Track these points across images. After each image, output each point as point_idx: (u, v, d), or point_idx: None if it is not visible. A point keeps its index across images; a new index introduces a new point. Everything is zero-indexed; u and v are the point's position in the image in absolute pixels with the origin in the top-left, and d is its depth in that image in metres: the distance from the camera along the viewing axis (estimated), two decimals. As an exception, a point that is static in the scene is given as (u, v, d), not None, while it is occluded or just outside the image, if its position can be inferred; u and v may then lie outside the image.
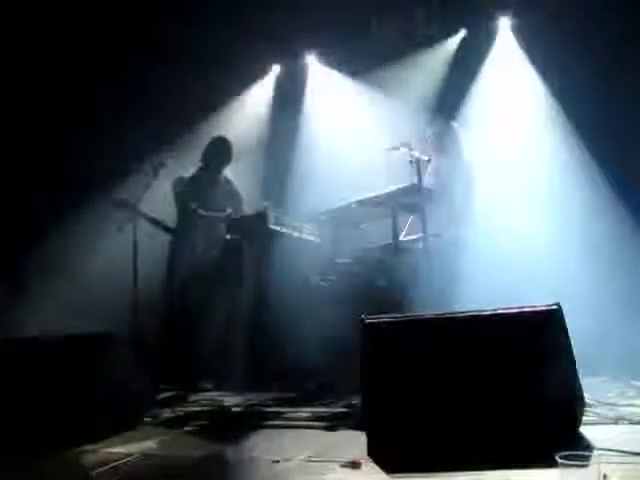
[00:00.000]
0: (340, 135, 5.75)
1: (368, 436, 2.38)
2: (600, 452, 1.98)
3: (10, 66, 5.31)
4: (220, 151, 4.83)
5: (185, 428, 3.14)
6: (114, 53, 5.73)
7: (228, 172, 4.94)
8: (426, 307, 3.42)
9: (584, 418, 2.38)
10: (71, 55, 5.56)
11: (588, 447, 2.08)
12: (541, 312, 2.38)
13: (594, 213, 4.53)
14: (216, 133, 5.05)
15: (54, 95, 5.46)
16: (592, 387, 2.84)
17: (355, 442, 2.44)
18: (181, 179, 4.75)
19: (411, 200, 4.09)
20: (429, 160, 4.09)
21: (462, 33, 5.78)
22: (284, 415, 3.26)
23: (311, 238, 4.57)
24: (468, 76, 5.54)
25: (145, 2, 5.62)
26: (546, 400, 2.18)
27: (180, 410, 3.64)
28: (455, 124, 4.78)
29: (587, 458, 1.72)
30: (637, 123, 4.55)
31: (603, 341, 3.83)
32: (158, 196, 4.66)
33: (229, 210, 4.74)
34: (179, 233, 4.68)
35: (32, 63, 5.41)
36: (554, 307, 2.36)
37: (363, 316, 2.61)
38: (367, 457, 2.24)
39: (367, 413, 2.48)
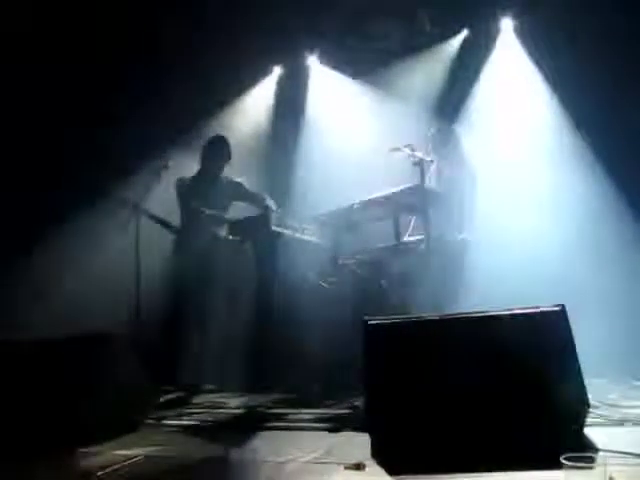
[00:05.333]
0: (342, 136, 5.76)
1: (371, 437, 2.38)
2: (605, 454, 1.98)
3: (10, 66, 5.31)
4: (218, 150, 4.83)
5: (188, 430, 3.14)
6: (116, 54, 5.73)
7: (233, 173, 4.94)
8: (428, 308, 3.42)
9: (588, 419, 2.37)
10: (72, 55, 5.56)
11: (593, 449, 2.08)
12: (545, 313, 2.37)
13: (599, 214, 4.53)
14: (216, 133, 5.05)
15: (55, 95, 5.46)
16: (595, 388, 2.83)
17: (358, 443, 2.44)
18: (183, 179, 4.76)
19: (413, 201, 4.08)
20: (432, 161, 4.09)
21: (464, 34, 5.79)
22: (287, 417, 3.26)
23: (313, 239, 4.57)
24: (470, 77, 5.54)
25: (147, 4, 5.61)
26: (550, 401, 2.18)
27: (182, 411, 3.64)
28: (457, 125, 4.79)
29: (592, 460, 1.72)
30: (640, 122, 4.55)
31: (606, 342, 3.83)
32: (161, 197, 4.66)
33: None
34: (182, 232, 4.68)
35: (34, 63, 5.41)
36: (558, 308, 2.36)
37: (366, 317, 2.61)
38: (371, 458, 2.24)
39: (370, 414, 2.47)
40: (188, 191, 4.70)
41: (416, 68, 5.75)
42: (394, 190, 4.09)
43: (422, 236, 4.05)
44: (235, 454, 2.57)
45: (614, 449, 2.03)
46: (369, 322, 2.59)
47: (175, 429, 3.16)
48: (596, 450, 2.05)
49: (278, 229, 4.39)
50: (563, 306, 2.35)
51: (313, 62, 6.35)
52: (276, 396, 3.94)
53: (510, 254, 4.26)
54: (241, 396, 4.11)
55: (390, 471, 2.11)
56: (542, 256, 4.50)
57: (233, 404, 3.85)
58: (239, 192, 4.87)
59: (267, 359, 4.26)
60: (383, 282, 4.18)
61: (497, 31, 5.60)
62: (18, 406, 2.92)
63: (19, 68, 5.38)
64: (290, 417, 3.24)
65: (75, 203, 5.41)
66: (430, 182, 4.22)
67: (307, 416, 3.20)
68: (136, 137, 5.43)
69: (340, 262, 4.39)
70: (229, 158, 4.86)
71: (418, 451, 2.24)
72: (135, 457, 2.48)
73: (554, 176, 4.81)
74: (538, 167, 4.87)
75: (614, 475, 1.72)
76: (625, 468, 1.87)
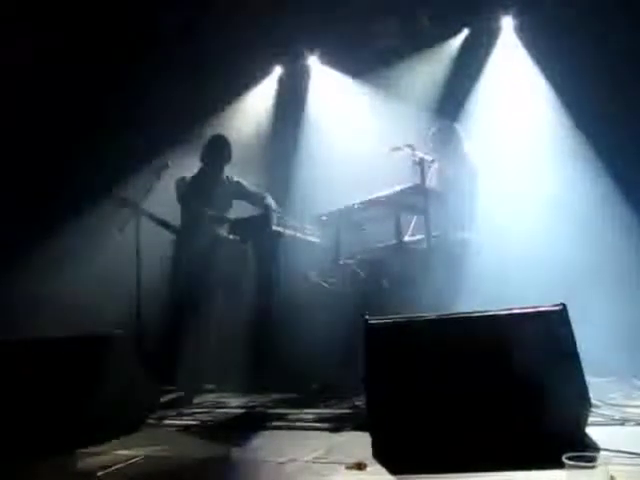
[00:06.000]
0: (342, 136, 5.74)
1: (372, 437, 2.37)
2: (607, 453, 1.97)
3: (12, 67, 5.31)
4: (218, 149, 4.82)
5: (189, 429, 3.13)
6: (115, 55, 5.73)
7: (234, 173, 4.93)
8: (429, 308, 3.41)
9: (590, 419, 2.36)
10: (74, 57, 5.57)
11: (595, 448, 2.07)
12: (546, 312, 2.37)
13: (599, 213, 4.52)
14: (216, 133, 5.04)
15: (55, 95, 5.46)
16: (596, 388, 2.82)
17: (360, 443, 2.43)
18: (183, 179, 4.75)
19: (414, 201, 4.07)
20: (433, 161, 4.08)
21: (464, 33, 5.77)
22: (288, 416, 3.26)
23: (313, 239, 4.57)
24: (471, 76, 5.53)
25: (147, 3, 5.61)
26: (552, 400, 2.17)
27: (183, 411, 3.64)
28: (458, 124, 4.78)
29: (594, 459, 1.71)
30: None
31: (607, 341, 3.82)
32: (161, 197, 4.66)
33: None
34: (182, 232, 4.68)
35: (36, 64, 5.41)
36: (559, 307, 2.35)
37: (366, 317, 2.60)
38: (372, 458, 2.23)
39: (371, 414, 2.47)
40: (188, 191, 4.69)
41: (417, 68, 5.74)
42: (395, 190, 4.09)
43: (423, 236, 4.04)
44: (236, 454, 2.57)
45: (615, 449, 2.03)
46: (369, 321, 2.58)
47: (175, 429, 3.16)
48: (598, 449, 2.05)
49: (279, 229, 4.39)
50: (564, 306, 2.35)
51: (313, 62, 6.34)
52: (276, 396, 3.94)
53: (511, 253, 4.25)
54: (241, 396, 4.11)
55: (391, 470, 2.11)
56: (543, 255, 4.49)
57: (234, 404, 3.86)
58: (240, 192, 4.86)
59: (267, 359, 4.25)
60: (384, 282, 4.17)
61: (498, 30, 5.59)
62: (18, 406, 2.92)
63: (19, 68, 5.37)
64: (291, 417, 3.24)
65: (75, 203, 5.41)
66: (431, 182, 4.22)
67: (308, 416, 3.20)
68: (137, 137, 5.42)
69: (341, 262, 4.38)
70: (229, 158, 4.85)
71: (419, 451, 2.24)
72: (135, 457, 2.48)
73: (555, 175, 4.80)
74: (539, 166, 4.86)
75: (615, 475, 1.71)
76: (626, 468, 1.87)
